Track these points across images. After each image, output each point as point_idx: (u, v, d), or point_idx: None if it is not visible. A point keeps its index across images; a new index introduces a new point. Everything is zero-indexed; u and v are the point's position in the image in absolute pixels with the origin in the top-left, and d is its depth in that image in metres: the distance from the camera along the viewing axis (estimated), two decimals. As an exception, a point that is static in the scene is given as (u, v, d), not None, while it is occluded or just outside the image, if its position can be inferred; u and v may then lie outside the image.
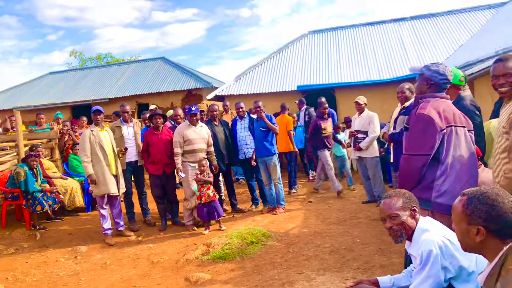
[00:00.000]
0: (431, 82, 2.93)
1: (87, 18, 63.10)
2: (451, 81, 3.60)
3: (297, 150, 8.56)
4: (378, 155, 6.89)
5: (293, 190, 8.57)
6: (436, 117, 2.76)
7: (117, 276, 4.82)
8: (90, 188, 6.36)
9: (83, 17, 62.87)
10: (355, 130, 6.97)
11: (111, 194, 6.03)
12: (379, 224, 5.63)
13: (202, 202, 6.11)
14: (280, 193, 6.89)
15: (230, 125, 7.48)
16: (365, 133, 6.79)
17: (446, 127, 2.77)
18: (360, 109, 6.98)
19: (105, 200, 6.05)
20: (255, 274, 4.44)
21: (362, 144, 6.77)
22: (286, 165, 8.76)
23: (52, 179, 7.40)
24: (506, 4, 12.87)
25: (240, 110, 7.22)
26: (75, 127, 9.01)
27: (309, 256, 4.80)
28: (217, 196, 6.36)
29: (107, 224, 6.09)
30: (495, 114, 4.33)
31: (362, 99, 6.98)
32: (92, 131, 6.03)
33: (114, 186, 6.03)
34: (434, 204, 2.73)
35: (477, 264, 2.16)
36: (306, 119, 9.46)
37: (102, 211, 6.05)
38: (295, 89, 11.81)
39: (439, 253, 2.17)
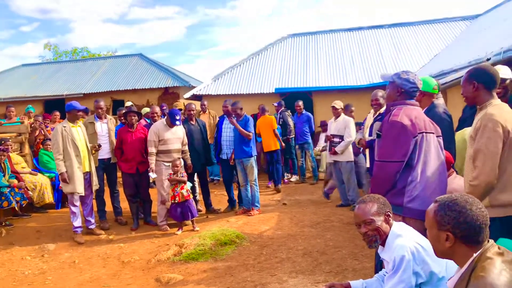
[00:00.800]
0: (402, 89, 2.99)
1: (64, 10, 61.63)
2: (420, 89, 3.70)
3: (283, 145, 8.98)
4: (352, 159, 6.98)
5: (278, 187, 8.85)
6: (408, 123, 2.81)
7: (86, 275, 4.71)
8: (60, 185, 6.20)
9: (59, 9, 61.38)
10: (331, 134, 7.03)
11: (78, 194, 5.88)
12: (352, 228, 5.70)
13: (176, 202, 6.04)
14: (256, 195, 6.88)
15: (216, 123, 7.44)
16: (341, 137, 6.85)
17: (418, 133, 2.82)
18: (336, 113, 7.05)
19: (77, 197, 5.91)
20: (228, 275, 4.42)
21: (338, 148, 6.82)
22: (269, 164, 9.08)
23: (21, 175, 7.18)
24: (479, 17, 13.27)
25: (228, 108, 7.17)
26: (46, 121, 8.79)
27: (282, 258, 4.81)
28: (191, 196, 6.30)
29: (77, 222, 5.94)
30: (463, 121, 4.46)
31: (338, 104, 7.05)
32: (64, 126, 5.87)
33: (81, 186, 5.88)
34: (405, 209, 2.79)
35: (447, 270, 2.21)
36: (280, 122, 9.52)
37: (73, 209, 5.90)
38: (273, 91, 11.84)
39: (411, 258, 2.20)
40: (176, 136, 6.36)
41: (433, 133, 2.91)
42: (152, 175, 6.17)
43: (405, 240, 2.27)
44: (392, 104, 3.03)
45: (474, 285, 1.48)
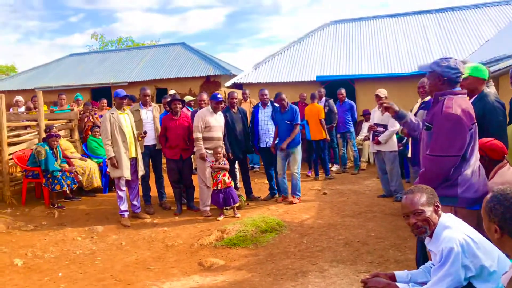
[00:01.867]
0: (444, 78, 2.81)
1: (109, 1, 63.36)
2: (473, 75, 3.53)
3: (328, 138, 8.95)
4: (396, 149, 6.81)
5: (330, 176, 8.89)
6: (463, 116, 2.67)
7: (132, 257, 4.90)
8: (108, 170, 6.46)
9: (104, 0, 63.13)
10: (374, 124, 6.89)
11: (125, 178, 6.11)
12: (394, 219, 5.60)
13: (218, 188, 6.15)
14: (297, 184, 6.88)
15: (251, 112, 7.48)
16: (385, 126, 6.70)
17: (472, 124, 2.71)
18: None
19: (123, 182, 6.14)
20: (269, 262, 4.47)
21: (381, 138, 6.68)
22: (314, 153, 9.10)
23: (71, 160, 7.52)
24: (536, 0, 12.48)
25: (264, 97, 7.20)
26: (94, 109, 9.12)
27: (323, 247, 4.80)
28: (233, 183, 6.38)
29: (124, 206, 6.18)
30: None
31: (383, 92, 6.86)
32: (112, 113, 6.10)
33: (128, 171, 6.11)
34: (460, 199, 2.68)
35: (499, 263, 2.12)
36: (326, 110, 9.38)
37: (120, 193, 6.14)
38: (315, 79, 11.71)
39: (460, 251, 2.13)
40: (219, 124, 6.46)
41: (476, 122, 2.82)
42: (209, 159, 6.31)
43: (454, 232, 2.20)
44: (441, 94, 2.85)
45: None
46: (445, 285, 2.15)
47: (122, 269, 4.53)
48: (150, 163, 6.93)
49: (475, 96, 3.55)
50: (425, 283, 2.39)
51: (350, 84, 11.58)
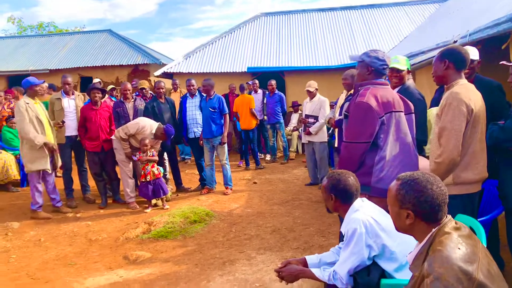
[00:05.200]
0: (372, 68, 2.95)
1: (29, -18, 58.87)
2: (390, 66, 3.74)
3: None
4: (326, 140, 7.02)
5: (261, 166, 9.00)
6: (374, 104, 2.79)
7: (51, 253, 4.63)
8: (24, 163, 5.97)
9: (24, -19, 58.54)
10: (305, 115, 7.04)
11: (47, 171, 5.74)
12: (320, 206, 5.81)
13: (146, 180, 5.99)
14: (228, 174, 6.89)
15: (179, 102, 7.35)
16: (316, 118, 6.86)
17: (385, 113, 2.81)
18: (311, 95, 7.03)
19: (40, 175, 5.76)
20: (197, 252, 4.44)
21: (312, 129, 6.82)
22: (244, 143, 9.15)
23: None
24: (447, 0, 13.46)
25: (191, 87, 7.09)
26: (8, 97, 8.46)
27: (251, 235, 4.87)
28: (162, 174, 6.25)
29: (41, 200, 5.82)
30: (435, 102, 4.55)
31: (312, 86, 7.02)
32: (27, 103, 5.66)
33: (48, 162, 5.76)
34: (373, 189, 2.79)
35: (400, 244, 2.27)
36: (265, 101, 9.48)
37: (38, 186, 5.77)
38: (245, 70, 11.77)
39: (364, 231, 2.25)
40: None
41: (402, 111, 2.91)
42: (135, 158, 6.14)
43: (360, 214, 2.32)
44: (360, 85, 3.00)
45: (431, 258, 1.53)
46: (350, 264, 2.27)
47: (40, 267, 4.26)
48: (73, 154, 6.58)
49: (398, 87, 3.76)
50: (334, 263, 2.50)
51: (280, 76, 11.78)
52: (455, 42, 5.27)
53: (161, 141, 6.39)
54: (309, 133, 6.92)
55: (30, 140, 5.57)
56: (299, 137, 10.05)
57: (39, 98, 7.38)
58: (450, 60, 2.78)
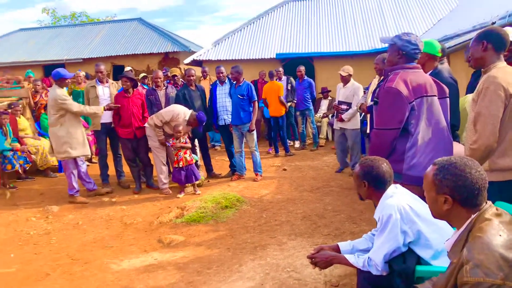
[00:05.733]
0: (403, 52, 2.85)
1: (61, -27, 59.87)
2: (423, 50, 3.61)
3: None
4: (359, 126, 6.89)
5: (290, 153, 9.00)
6: (404, 89, 2.71)
7: (89, 236, 4.82)
8: (65, 150, 6.10)
9: (55, -28, 59.62)
10: (338, 101, 6.92)
11: (88, 156, 6.00)
12: (351, 193, 5.78)
13: (179, 166, 6.11)
14: (257, 161, 6.93)
15: (209, 89, 7.40)
16: (349, 104, 6.74)
17: (416, 98, 2.74)
18: (344, 80, 6.88)
19: (74, 161, 6.00)
20: (228, 237, 4.52)
21: (345, 116, 6.70)
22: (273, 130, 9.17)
23: (24, 139, 7.22)
24: (486, -19, 12.92)
25: (221, 75, 7.11)
26: (46, 86, 8.74)
27: (282, 221, 4.90)
28: (194, 160, 6.36)
29: (77, 185, 6.04)
30: (471, 88, 4.42)
31: (346, 70, 6.87)
32: (61, 95, 5.86)
33: (87, 148, 6.01)
34: (405, 176, 2.74)
35: (435, 231, 2.24)
36: (289, 87, 9.41)
37: (74, 172, 5.99)
38: (274, 56, 11.71)
39: (399, 217, 2.23)
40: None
41: (435, 95, 2.83)
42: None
43: (394, 200, 2.30)
44: (391, 69, 2.91)
45: (471, 245, 1.49)
46: (385, 250, 2.24)
47: (79, 248, 4.45)
48: (108, 141, 6.77)
49: (429, 72, 3.66)
50: (367, 250, 2.49)
51: (309, 61, 11.66)
52: (493, 23, 5.08)
53: (192, 127, 6.47)
54: (341, 120, 6.80)
55: (94, 114, 6.15)
56: (329, 124, 9.95)
57: (77, 87, 7.64)
58: (489, 41, 2.69)
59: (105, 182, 6.71)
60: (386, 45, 3.03)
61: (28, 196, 6.44)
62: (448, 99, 2.96)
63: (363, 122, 7.33)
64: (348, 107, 6.75)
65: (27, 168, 7.04)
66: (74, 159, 5.95)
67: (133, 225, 5.12)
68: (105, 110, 6.09)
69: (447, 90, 2.96)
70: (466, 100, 3.73)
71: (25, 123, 7.65)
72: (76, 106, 5.89)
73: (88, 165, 8.15)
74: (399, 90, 2.70)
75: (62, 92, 5.84)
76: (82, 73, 8.73)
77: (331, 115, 9.40)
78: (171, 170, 6.57)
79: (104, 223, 5.26)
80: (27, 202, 6.13)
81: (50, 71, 6.30)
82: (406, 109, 2.71)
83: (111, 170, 6.88)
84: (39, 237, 4.82)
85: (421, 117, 2.76)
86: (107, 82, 6.65)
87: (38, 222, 5.35)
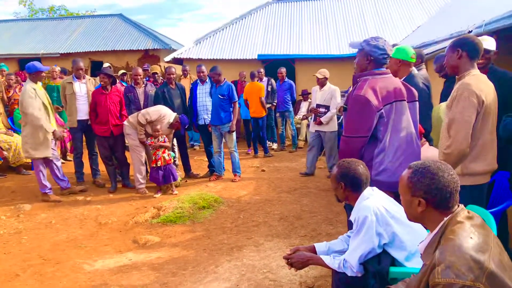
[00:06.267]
0: (371, 57, 2.83)
1: (40, -35, 58.48)
2: (396, 57, 3.65)
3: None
4: (337, 129, 6.94)
5: (269, 154, 9.01)
6: (372, 97, 2.70)
7: (62, 235, 4.71)
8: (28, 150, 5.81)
9: (35, -36, 58.17)
10: (316, 104, 6.94)
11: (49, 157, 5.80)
12: (328, 194, 5.82)
13: (157, 165, 6.03)
14: (236, 162, 6.90)
15: (190, 88, 7.35)
16: (327, 107, 6.78)
17: (385, 105, 2.73)
18: (320, 83, 6.95)
19: (43, 161, 5.84)
20: (205, 238, 4.49)
21: (324, 119, 6.73)
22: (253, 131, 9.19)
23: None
24: (464, -11, 13.23)
25: (201, 74, 7.05)
26: (19, 80, 8.51)
27: (259, 222, 4.90)
28: (172, 160, 6.30)
29: (48, 183, 5.92)
30: (444, 96, 4.51)
31: (322, 73, 6.92)
32: (34, 89, 5.68)
33: (50, 149, 5.82)
34: (373, 182, 2.75)
35: (410, 233, 2.27)
36: (269, 89, 9.42)
37: (44, 171, 5.85)
38: (256, 57, 11.71)
39: (374, 219, 2.25)
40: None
41: (404, 100, 2.84)
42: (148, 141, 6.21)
43: (370, 202, 2.32)
44: (359, 75, 2.89)
45: (443, 247, 1.52)
46: (361, 252, 2.27)
47: (51, 248, 4.34)
48: (84, 139, 6.64)
49: (403, 78, 3.71)
50: (343, 251, 2.52)
51: (290, 63, 11.71)
52: (469, 32, 5.19)
53: (173, 132, 6.43)
54: (320, 123, 6.83)
55: (40, 127, 5.62)
56: (308, 126, 10.01)
57: (52, 82, 7.46)
58: (463, 49, 2.75)
59: (80, 180, 6.58)
60: (352, 47, 3.03)
61: (-1, 193, 6.27)
62: (417, 103, 2.97)
63: (341, 125, 7.41)
64: (326, 110, 6.78)
65: (-2, 165, 6.84)
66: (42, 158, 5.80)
67: (108, 224, 5.03)
68: (55, 138, 5.84)
69: (416, 94, 2.97)
70: (441, 109, 3.80)
71: (-4, 118, 7.44)
72: (33, 109, 5.57)
73: (62, 163, 8.01)
74: (368, 98, 2.69)
75: (31, 87, 5.65)
76: (58, 68, 8.55)
77: (310, 117, 9.44)
78: (149, 169, 6.49)
79: (78, 222, 5.15)
80: (-3, 200, 5.96)
81: (25, 65, 6.13)
82: (375, 117, 2.71)
83: (86, 168, 6.75)
84: (9, 236, 4.69)
85: (389, 123, 2.77)
86: (84, 78, 6.52)
87: (8, 221, 5.19)
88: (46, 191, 5.89)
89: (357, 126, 2.76)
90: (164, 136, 6.20)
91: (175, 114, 6.34)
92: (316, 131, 6.97)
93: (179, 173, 6.70)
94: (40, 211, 5.54)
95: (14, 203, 5.81)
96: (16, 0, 61.53)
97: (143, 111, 6.23)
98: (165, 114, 6.19)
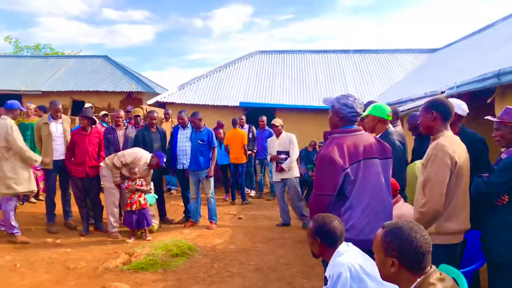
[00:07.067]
0: (341, 115, 2.82)
1: (30, 3, 59.48)
2: (373, 114, 3.77)
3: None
4: (298, 174, 7.00)
5: (247, 201, 8.98)
6: (337, 156, 2.67)
7: (27, 280, 4.50)
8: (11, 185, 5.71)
9: (25, 2, 59.18)
10: (277, 151, 6.96)
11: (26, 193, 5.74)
12: (304, 246, 5.76)
13: (132, 209, 5.92)
14: (213, 208, 6.83)
15: (171, 132, 7.37)
16: (287, 153, 6.84)
17: (351, 164, 2.71)
18: (277, 131, 7.08)
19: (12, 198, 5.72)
20: (176, 287, 4.35)
21: (285, 165, 6.75)
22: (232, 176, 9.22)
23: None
24: (437, 51, 13.96)
25: (182, 120, 7.10)
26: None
27: (233, 273, 4.80)
28: (148, 204, 6.18)
29: (16, 223, 5.73)
30: (415, 153, 4.64)
31: (278, 121, 7.15)
32: (12, 125, 5.66)
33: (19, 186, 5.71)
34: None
35: None
36: (250, 136, 9.52)
37: (14, 210, 5.71)
38: (238, 105, 11.91)
39: (349, 276, 2.25)
40: (141, 174, 6.23)
41: (375, 157, 2.82)
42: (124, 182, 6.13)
43: (345, 258, 2.32)
44: (329, 133, 2.90)
45: (417, 309, 1.53)
46: None
47: (13, 294, 4.13)
48: (58, 178, 6.50)
49: (379, 135, 3.81)
50: None
51: (271, 112, 11.93)
52: (442, 92, 5.45)
53: (152, 172, 6.37)
54: (281, 170, 6.80)
55: (27, 159, 5.68)
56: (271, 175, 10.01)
57: (26, 120, 7.41)
58: (437, 111, 2.87)
59: (51, 221, 6.37)
60: (325, 104, 3.05)
61: (-37, 232, 6.00)
62: (390, 160, 2.94)
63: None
64: (287, 156, 6.82)
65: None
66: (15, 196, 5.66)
67: (77, 270, 4.84)
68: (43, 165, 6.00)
69: (390, 151, 2.96)
70: (416, 166, 3.89)
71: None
72: (21, 143, 5.66)
73: (34, 202, 7.79)
74: (333, 157, 2.67)
75: (13, 124, 5.66)
76: (33, 106, 8.50)
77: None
78: (122, 213, 6.36)
79: (45, 266, 4.94)
80: (-39, 239, 5.69)
81: (4, 102, 6.11)
82: (340, 176, 2.68)
83: (58, 209, 6.56)
84: (-31, 279, 4.45)
85: (357, 181, 2.73)
86: (60, 118, 6.47)
87: (-30, 262, 4.95)
88: (14, 232, 5.67)
89: (323, 184, 2.74)
90: (142, 179, 6.14)
91: (151, 154, 6.31)
92: (281, 179, 6.93)
93: (155, 222, 6.53)
94: (5, 253, 5.30)
95: (-22, 243, 5.56)
96: (2, 36, 61.97)
97: (119, 153, 6.18)
98: (141, 156, 6.15)
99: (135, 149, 6.32)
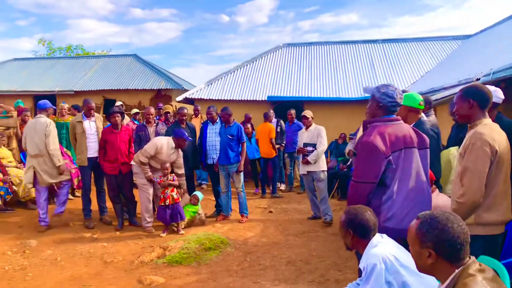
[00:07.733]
0: (380, 104, 2.85)
1: (61, 6, 61.06)
2: (401, 103, 3.69)
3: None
4: (326, 168, 6.87)
5: (277, 195, 8.99)
6: (380, 144, 2.70)
7: (67, 273, 4.66)
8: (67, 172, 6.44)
9: (57, 5, 60.84)
10: (303, 143, 6.89)
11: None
12: (336, 239, 5.72)
13: (165, 204, 6.03)
14: (243, 202, 6.87)
15: (200, 127, 7.45)
16: (314, 145, 6.74)
17: (393, 152, 2.73)
18: (308, 123, 7.01)
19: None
20: (210, 280, 4.41)
21: (311, 158, 6.65)
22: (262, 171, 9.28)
23: (7, 169, 7.10)
24: (471, 37, 13.50)
25: (210, 115, 7.15)
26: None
27: (266, 266, 4.82)
28: (181, 199, 6.28)
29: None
30: (452, 141, 4.52)
31: (309, 113, 7.05)
32: (50, 122, 6.05)
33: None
34: (381, 228, 2.69)
35: (421, 283, 2.22)
36: (278, 130, 9.50)
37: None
38: (266, 99, 11.89)
39: (384, 267, 2.22)
40: (170, 160, 6.28)
41: (415, 147, 2.83)
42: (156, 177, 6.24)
43: (379, 250, 2.30)
44: (369, 122, 2.92)
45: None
46: None
47: (55, 286, 4.29)
48: (92, 175, 6.69)
49: (412, 124, 3.73)
50: None
51: (299, 105, 11.84)
52: (477, 80, 5.27)
53: (181, 154, 6.42)
54: (307, 162, 6.71)
55: (57, 157, 6.17)
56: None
57: (60, 119, 7.67)
58: (475, 99, 2.77)
59: (88, 217, 6.56)
60: (365, 93, 3.06)
61: (6, 228, 6.26)
62: (428, 150, 2.95)
63: (350, 168, 7.40)
64: (313, 149, 6.73)
65: (7, 199, 6.87)
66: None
67: (113, 263, 4.98)
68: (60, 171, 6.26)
69: (427, 141, 2.96)
70: (450, 153, 3.80)
71: (5, 152, 7.54)
72: (56, 147, 6.22)
73: (71, 199, 8.04)
74: (376, 144, 2.69)
75: (49, 121, 6.13)
76: (66, 105, 8.75)
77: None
78: (156, 208, 6.48)
79: (84, 260, 5.10)
80: (4, 235, 5.94)
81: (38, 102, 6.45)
82: (382, 163, 2.70)
83: (94, 205, 6.76)
84: (14, 273, 4.65)
85: (398, 170, 2.75)
86: (93, 116, 6.63)
87: (14, 256, 5.17)
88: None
89: (365, 172, 2.75)
90: (173, 175, 6.23)
91: (170, 137, 6.30)
92: (307, 172, 6.85)
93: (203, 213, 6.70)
94: (46, 247, 5.51)
95: (21, 238, 5.79)
96: (37, 38, 64.01)
97: (141, 150, 6.23)
98: (162, 144, 6.14)
99: (153, 140, 6.34)
